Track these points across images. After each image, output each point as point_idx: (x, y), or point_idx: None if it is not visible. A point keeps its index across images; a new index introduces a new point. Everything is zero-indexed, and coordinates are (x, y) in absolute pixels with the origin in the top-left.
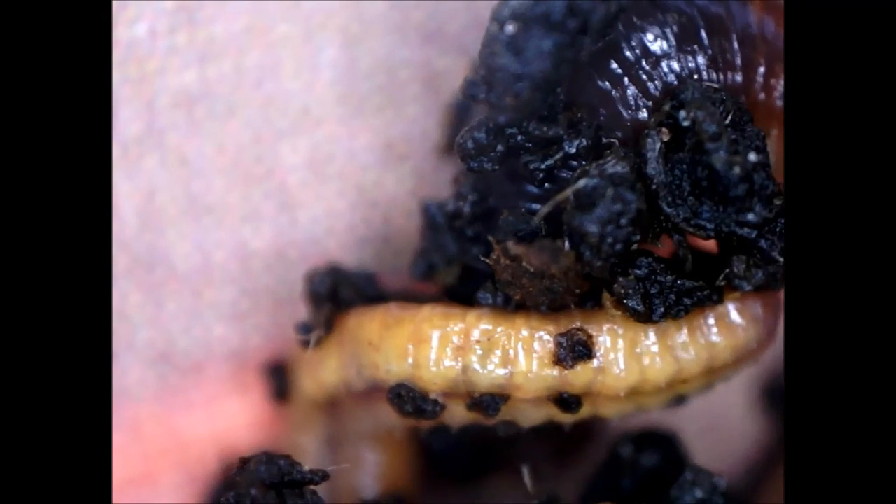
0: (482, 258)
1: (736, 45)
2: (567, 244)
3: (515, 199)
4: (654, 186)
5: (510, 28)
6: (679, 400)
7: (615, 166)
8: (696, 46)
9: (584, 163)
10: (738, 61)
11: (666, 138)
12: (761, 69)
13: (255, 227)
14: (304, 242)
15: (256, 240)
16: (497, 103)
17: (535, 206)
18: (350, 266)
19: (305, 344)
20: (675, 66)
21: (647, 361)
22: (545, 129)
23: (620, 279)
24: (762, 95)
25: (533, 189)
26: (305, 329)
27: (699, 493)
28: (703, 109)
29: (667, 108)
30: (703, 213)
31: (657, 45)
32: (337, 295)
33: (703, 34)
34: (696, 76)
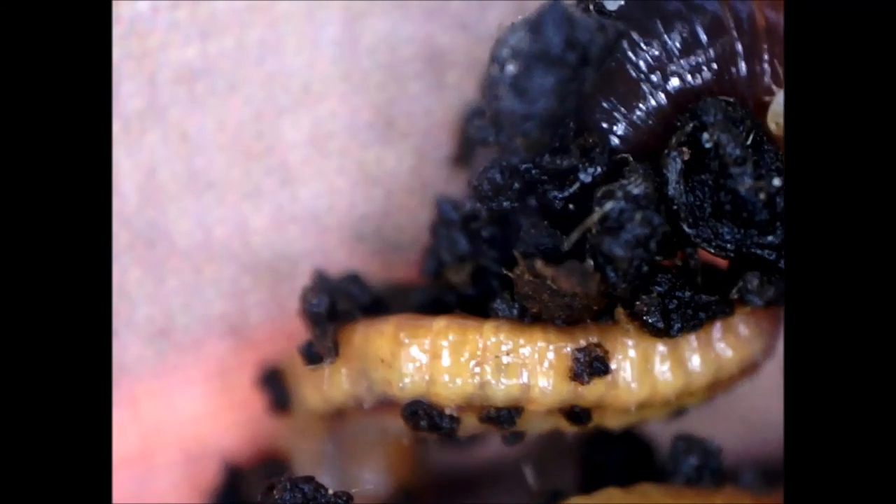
0: (506, 272)
1: (737, 40)
2: (591, 264)
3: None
4: (675, 207)
5: (511, 68)
6: (679, 412)
7: (639, 186)
8: (699, 53)
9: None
10: (741, 55)
11: (686, 157)
12: (765, 59)
13: (255, 204)
14: (304, 219)
15: (257, 216)
16: (508, 145)
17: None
18: (341, 259)
19: (311, 364)
20: (681, 76)
21: (658, 375)
22: (559, 161)
23: (644, 297)
24: (771, 85)
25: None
26: (311, 353)
27: (694, 461)
28: (726, 132)
29: (688, 129)
30: (723, 234)
31: (660, 59)
32: (335, 310)
33: (704, 38)
34: (701, 80)
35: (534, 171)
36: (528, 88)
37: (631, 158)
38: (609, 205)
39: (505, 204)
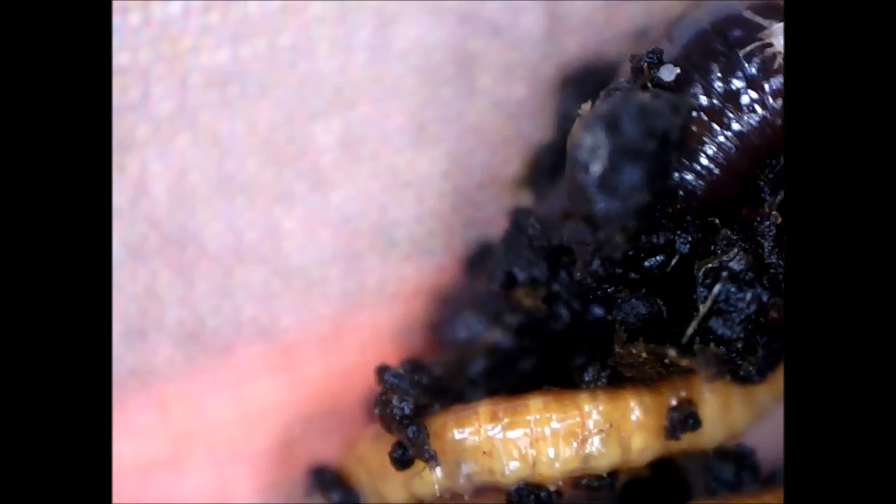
0: (618, 349)
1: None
2: (697, 341)
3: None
4: (772, 271)
5: (596, 168)
6: None
7: (739, 261)
8: (755, 93)
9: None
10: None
11: (779, 221)
12: None
13: (286, 208)
14: (336, 223)
15: (288, 220)
16: (609, 242)
17: None
18: (373, 265)
19: (403, 468)
20: (741, 120)
21: (735, 419)
22: (655, 239)
23: (750, 357)
24: None
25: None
26: (403, 458)
27: (730, 470)
28: None
29: (780, 198)
30: None
31: (719, 108)
32: (420, 408)
33: (758, 75)
34: (762, 119)
35: (630, 253)
36: (618, 185)
37: (718, 222)
38: (717, 288)
39: (610, 290)
